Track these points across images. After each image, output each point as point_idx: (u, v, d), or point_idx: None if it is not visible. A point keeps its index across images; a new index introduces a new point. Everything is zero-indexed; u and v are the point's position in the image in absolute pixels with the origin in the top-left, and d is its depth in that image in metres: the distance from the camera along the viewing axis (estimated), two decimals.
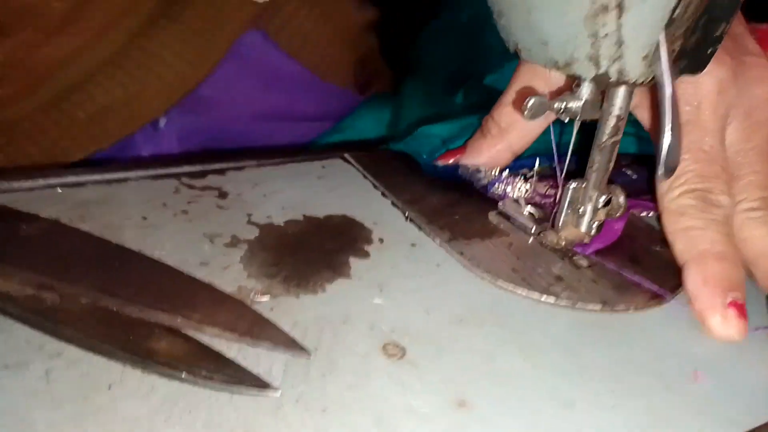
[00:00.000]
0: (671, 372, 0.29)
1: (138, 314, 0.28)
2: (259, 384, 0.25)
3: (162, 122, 0.53)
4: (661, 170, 0.29)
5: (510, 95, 0.41)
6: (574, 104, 0.32)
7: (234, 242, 0.34)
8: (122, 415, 0.24)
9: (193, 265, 0.32)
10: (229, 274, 0.32)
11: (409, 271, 0.34)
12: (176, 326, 0.27)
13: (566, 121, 0.33)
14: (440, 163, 0.43)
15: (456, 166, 0.43)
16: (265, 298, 0.30)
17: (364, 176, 0.44)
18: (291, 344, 0.27)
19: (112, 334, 0.27)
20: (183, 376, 0.25)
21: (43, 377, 0.25)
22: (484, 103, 0.54)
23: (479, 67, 0.58)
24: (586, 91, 0.32)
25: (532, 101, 0.32)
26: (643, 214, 0.41)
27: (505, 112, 0.41)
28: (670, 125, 0.28)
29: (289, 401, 0.25)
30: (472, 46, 0.62)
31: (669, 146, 0.28)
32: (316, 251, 0.35)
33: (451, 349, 0.29)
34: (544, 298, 0.33)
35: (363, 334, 0.29)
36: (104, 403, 0.24)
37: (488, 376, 0.28)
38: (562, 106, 0.32)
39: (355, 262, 0.34)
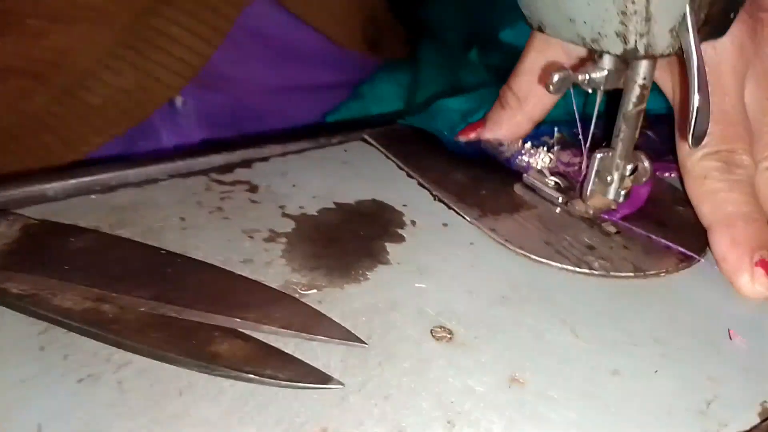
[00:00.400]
0: (708, 332, 0.31)
1: (196, 318, 0.29)
2: (322, 378, 0.26)
3: (179, 102, 0.53)
4: (690, 136, 0.29)
5: (526, 64, 0.41)
6: (598, 75, 0.33)
7: (272, 237, 0.35)
8: (196, 418, 0.25)
9: (237, 263, 0.33)
10: (274, 270, 0.33)
11: (445, 253, 0.35)
12: (234, 327, 0.29)
13: (590, 91, 0.34)
14: (462, 138, 0.44)
15: (478, 141, 0.43)
16: (312, 291, 0.31)
17: (387, 157, 0.45)
18: (346, 336, 0.29)
19: (174, 341, 0.28)
20: (250, 376, 0.26)
21: (116, 388, 0.26)
22: (503, 62, 0.54)
23: (495, 25, 0.58)
24: (608, 62, 0.33)
25: (556, 77, 0.32)
26: (666, 175, 0.42)
27: (522, 82, 0.41)
28: (698, 93, 0.28)
29: (353, 391, 0.26)
30: (485, 1, 0.61)
31: (698, 113, 0.29)
32: (353, 239, 0.35)
33: (497, 328, 0.30)
34: (579, 269, 0.34)
35: (412, 320, 0.30)
36: (178, 409, 0.25)
37: (536, 351, 0.29)
38: (586, 78, 0.33)
39: (392, 247, 0.35)
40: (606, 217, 0.38)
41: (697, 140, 0.30)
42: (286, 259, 0.33)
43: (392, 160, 0.44)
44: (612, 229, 0.37)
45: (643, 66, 0.31)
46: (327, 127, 0.60)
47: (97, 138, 0.49)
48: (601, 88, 0.34)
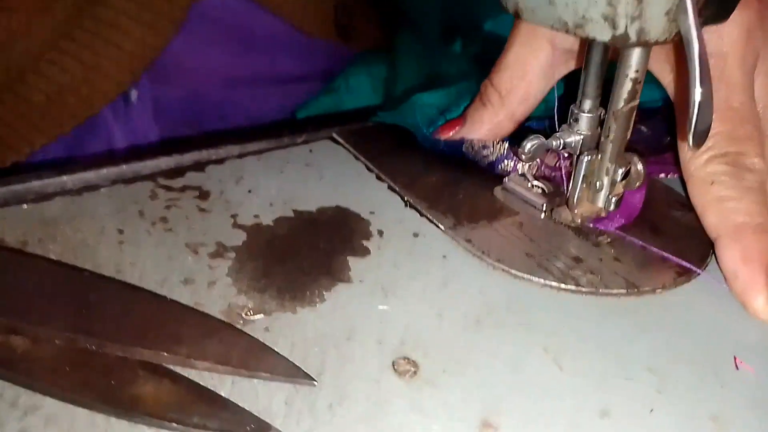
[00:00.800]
0: (711, 361, 0.27)
1: (119, 353, 0.25)
2: (259, 427, 0.22)
3: (133, 96, 0.49)
4: (691, 136, 0.25)
5: (509, 57, 0.37)
6: (572, 139, 0.31)
7: (219, 251, 0.31)
8: None
9: (176, 283, 0.29)
10: (217, 291, 0.29)
11: (414, 268, 0.31)
12: (162, 363, 0.25)
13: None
14: (441, 137, 0.39)
15: (459, 141, 0.39)
16: (259, 317, 0.27)
17: (356, 157, 0.41)
18: (293, 372, 0.25)
19: (92, 382, 0.24)
20: (174, 425, 0.22)
21: None
22: (485, 52, 0.50)
23: (476, 12, 0.54)
24: (584, 124, 0.31)
25: (528, 145, 0.31)
26: (662, 176, 0.38)
27: (504, 77, 0.37)
28: (699, 86, 0.24)
29: None
30: None
31: (699, 108, 0.25)
32: (310, 254, 0.31)
33: (469, 360, 0.26)
34: (564, 285, 0.30)
35: (371, 351, 0.26)
36: None
37: (514, 388, 0.25)
38: (560, 143, 0.31)
39: (354, 263, 0.31)
40: (599, 226, 0.34)
41: (699, 139, 0.27)
42: (233, 279, 0.29)
43: (361, 161, 0.40)
44: (603, 239, 0.33)
45: (635, 56, 0.27)
46: (292, 124, 0.56)
47: (40, 138, 0.45)
48: (577, 152, 0.32)
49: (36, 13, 0.42)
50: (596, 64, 0.30)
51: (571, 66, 0.36)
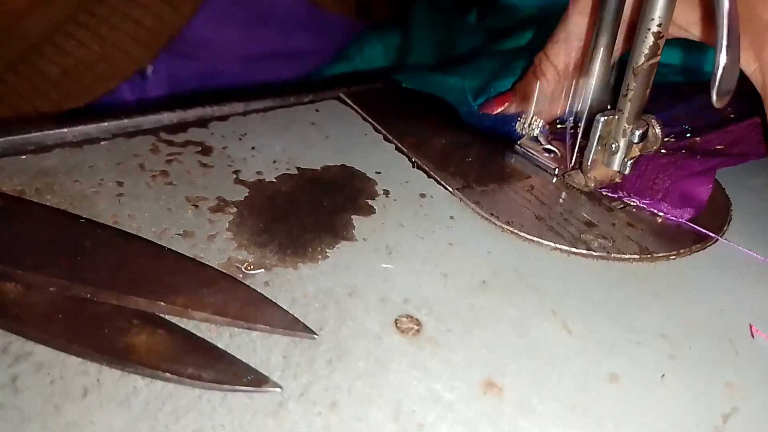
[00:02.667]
0: (726, 328, 0.26)
1: (113, 301, 0.24)
2: (256, 379, 0.22)
3: (149, 70, 0.48)
4: (714, 95, 0.24)
5: (568, 27, 0.34)
6: None
7: (220, 206, 0.30)
8: (98, 427, 0.20)
9: (176, 236, 0.28)
10: (217, 245, 0.28)
11: (420, 229, 0.30)
12: (158, 313, 0.24)
13: None
14: (491, 111, 0.37)
15: (509, 117, 0.36)
16: (259, 272, 0.27)
17: (364, 118, 0.40)
18: (291, 325, 0.24)
19: (84, 330, 0.23)
20: (167, 375, 0.21)
21: (8, 385, 0.21)
22: (501, 23, 0.49)
23: None
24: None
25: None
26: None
27: (561, 50, 0.34)
28: (726, 43, 0.23)
29: (293, 397, 0.21)
30: None
31: (724, 68, 0.23)
32: (313, 211, 0.31)
33: (474, 320, 0.25)
34: (574, 249, 0.29)
35: (374, 308, 0.25)
36: (78, 415, 0.21)
37: (519, 349, 0.24)
38: None
39: (358, 221, 0.30)
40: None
41: (722, 100, 0.25)
42: (233, 233, 0.29)
43: (369, 122, 0.39)
44: (616, 204, 0.32)
45: (659, 6, 0.26)
46: (299, 84, 0.54)
47: (52, 111, 0.44)
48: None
49: None
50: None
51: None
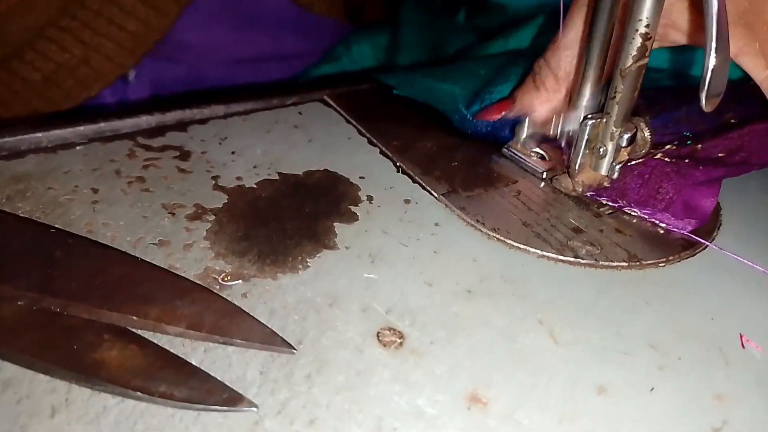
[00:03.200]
0: (716, 337, 0.25)
1: (84, 315, 0.23)
2: (231, 397, 0.21)
3: (131, 75, 0.47)
4: (704, 98, 0.24)
5: (568, 36, 0.33)
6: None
7: (198, 213, 0.29)
8: None
9: (151, 245, 0.27)
10: (193, 254, 0.27)
11: (404, 236, 0.29)
12: (130, 327, 0.23)
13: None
14: (487, 119, 0.36)
15: (504, 124, 0.35)
16: (237, 282, 0.26)
17: (347, 120, 0.39)
18: (269, 339, 0.23)
19: (53, 345, 0.22)
20: (138, 394, 0.20)
21: None
22: (488, 23, 0.48)
23: None
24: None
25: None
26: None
27: (562, 58, 0.33)
28: (715, 45, 0.22)
29: (269, 414, 0.21)
30: None
31: (713, 70, 0.23)
32: (294, 218, 0.30)
33: (458, 330, 0.24)
34: (562, 256, 0.28)
35: (355, 319, 0.24)
36: None
37: (505, 360, 0.23)
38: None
39: (341, 228, 0.29)
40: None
41: (711, 103, 0.25)
42: (211, 242, 0.28)
43: (353, 125, 0.38)
44: (605, 209, 0.32)
45: (647, 7, 0.25)
46: (282, 86, 0.54)
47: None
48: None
49: None
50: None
51: (669, 38, 0.32)
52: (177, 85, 0.49)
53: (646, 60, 0.27)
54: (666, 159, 0.31)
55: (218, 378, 0.21)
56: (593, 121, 0.29)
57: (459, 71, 0.39)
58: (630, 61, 0.27)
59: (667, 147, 0.33)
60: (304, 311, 0.25)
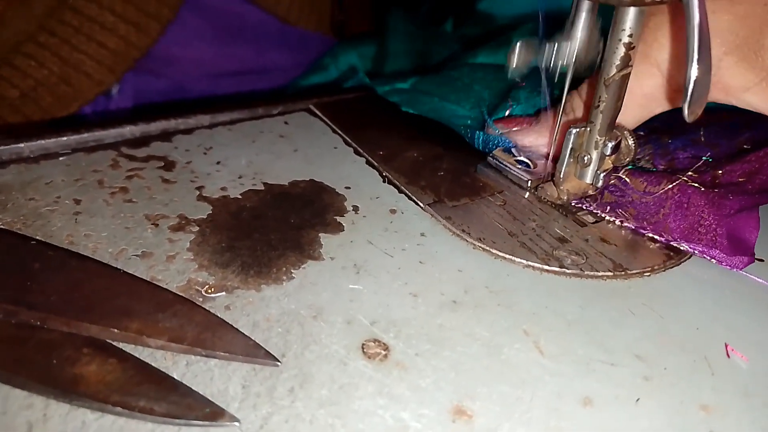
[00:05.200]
0: (701, 348, 0.25)
1: (63, 328, 0.23)
2: (212, 412, 0.20)
3: (114, 90, 0.46)
4: (686, 108, 0.24)
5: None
6: (567, 49, 0.27)
7: (182, 224, 0.29)
8: None
9: (133, 257, 0.27)
10: (176, 266, 0.27)
11: (389, 246, 0.29)
12: (110, 340, 0.23)
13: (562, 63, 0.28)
14: (500, 127, 0.35)
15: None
16: (220, 295, 0.25)
17: (333, 130, 0.39)
18: (252, 352, 0.23)
19: (31, 360, 0.22)
20: (117, 410, 0.20)
21: None
22: (477, 32, 0.48)
23: None
24: (581, 27, 0.27)
25: (517, 50, 0.27)
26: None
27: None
28: (696, 56, 0.23)
29: (251, 429, 0.20)
30: None
31: (695, 81, 0.23)
32: (279, 228, 0.29)
33: (443, 342, 0.24)
34: (547, 266, 0.28)
35: (339, 332, 0.24)
36: None
37: (490, 372, 0.23)
38: (553, 51, 0.27)
39: (326, 239, 0.29)
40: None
41: (694, 114, 0.25)
42: (194, 253, 0.27)
43: (339, 134, 0.38)
44: (590, 218, 0.31)
45: (630, 17, 0.25)
46: (268, 95, 0.53)
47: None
48: (572, 64, 0.28)
49: (13, 2, 0.39)
50: None
51: (677, 102, 0.31)
52: (160, 98, 0.49)
53: (630, 69, 0.27)
54: (695, 185, 0.31)
55: (200, 392, 0.21)
56: (577, 130, 0.29)
57: (462, 91, 0.39)
58: (614, 71, 0.27)
59: (690, 173, 0.32)
60: (287, 323, 0.24)
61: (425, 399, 0.22)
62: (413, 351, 0.24)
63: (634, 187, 0.31)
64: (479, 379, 0.23)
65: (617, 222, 0.31)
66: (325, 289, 0.26)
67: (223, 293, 0.25)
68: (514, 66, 0.27)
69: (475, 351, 0.24)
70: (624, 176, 0.32)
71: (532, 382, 0.23)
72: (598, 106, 0.28)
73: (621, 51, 0.26)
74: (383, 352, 0.23)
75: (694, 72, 0.23)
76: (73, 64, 0.43)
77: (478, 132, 0.35)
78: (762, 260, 0.30)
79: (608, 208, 0.31)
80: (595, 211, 0.31)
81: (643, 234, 0.30)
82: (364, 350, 0.23)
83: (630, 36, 0.26)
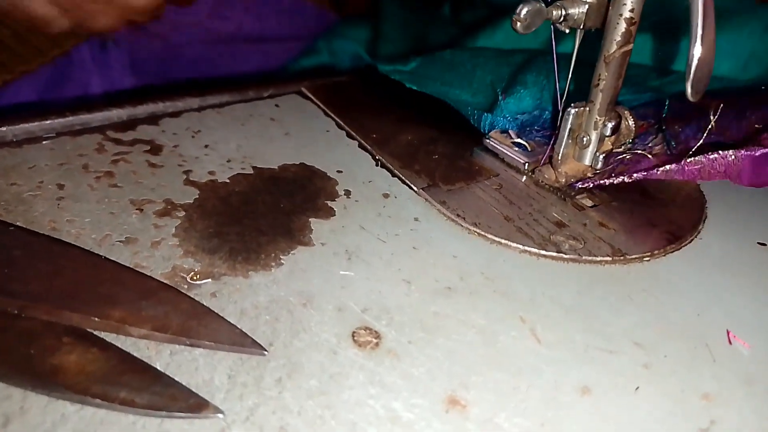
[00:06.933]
0: (702, 334, 0.25)
1: (44, 317, 0.22)
2: (196, 403, 0.20)
3: (110, 43, 0.46)
4: (689, 87, 0.23)
5: None
6: (576, 10, 0.26)
7: (168, 209, 0.28)
8: None
9: (117, 243, 0.26)
10: (161, 252, 0.26)
11: (382, 231, 0.28)
12: (92, 329, 0.22)
13: (566, 31, 0.27)
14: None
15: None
16: (206, 281, 0.25)
17: (326, 113, 0.38)
18: (239, 341, 0.22)
19: (9, 349, 0.21)
20: (97, 401, 0.19)
21: None
22: (473, 18, 0.47)
23: None
24: None
25: (525, 10, 0.25)
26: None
27: None
28: (700, 35, 0.22)
29: (237, 421, 0.20)
30: None
31: (699, 59, 0.22)
32: (269, 213, 0.29)
33: (437, 329, 0.23)
34: (544, 251, 0.27)
35: (329, 320, 0.23)
36: None
37: (486, 361, 0.22)
38: (561, 15, 0.26)
39: (317, 224, 0.28)
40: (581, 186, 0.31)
41: (697, 93, 0.24)
42: (180, 239, 0.27)
43: (331, 117, 0.37)
44: (588, 202, 0.31)
45: None
46: (258, 77, 0.52)
47: (2, 74, 0.41)
48: (581, 27, 0.27)
49: None
50: None
51: None
52: (153, 57, 0.48)
53: (630, 46, 0.26)
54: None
55: (183, 383, 0.20)
56: (576, 109, 0.28)
57: (464, 78, 0.38)
58: (614, 47, 0.26)
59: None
60: (276, 311, 0.24)
61: (418, 388, 0.21)
62: (406, 339, 0.23)
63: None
64: (474, 367, 0.22)
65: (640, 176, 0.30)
66: (315, 276, 0.25)
67: (210, 280, 0.25)
68: (520, 30, 0.26)
69: (470, 339, 0.23)
70: (641, 151, 0.31)
71: (528, 370, 0.22)
72: (598, 84, 0.27)
73: (622, 26, 0.25)
74: (375, 340, 0.23)
75: (697, 51, 0.22)
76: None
77: (485, 114, 0.34)
78: (764, 244, 0.29)
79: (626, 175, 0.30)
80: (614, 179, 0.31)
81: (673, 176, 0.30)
82: (355, 338, 0.23)
83: (631, 11, 0.25)
